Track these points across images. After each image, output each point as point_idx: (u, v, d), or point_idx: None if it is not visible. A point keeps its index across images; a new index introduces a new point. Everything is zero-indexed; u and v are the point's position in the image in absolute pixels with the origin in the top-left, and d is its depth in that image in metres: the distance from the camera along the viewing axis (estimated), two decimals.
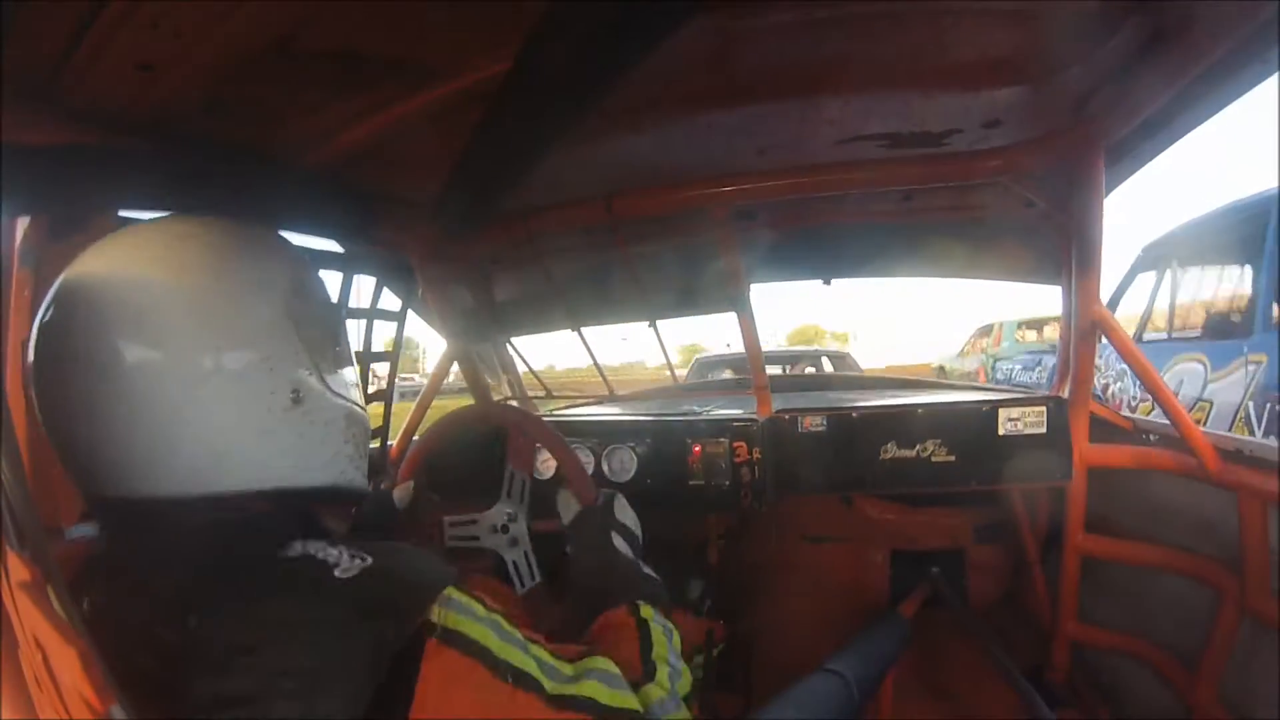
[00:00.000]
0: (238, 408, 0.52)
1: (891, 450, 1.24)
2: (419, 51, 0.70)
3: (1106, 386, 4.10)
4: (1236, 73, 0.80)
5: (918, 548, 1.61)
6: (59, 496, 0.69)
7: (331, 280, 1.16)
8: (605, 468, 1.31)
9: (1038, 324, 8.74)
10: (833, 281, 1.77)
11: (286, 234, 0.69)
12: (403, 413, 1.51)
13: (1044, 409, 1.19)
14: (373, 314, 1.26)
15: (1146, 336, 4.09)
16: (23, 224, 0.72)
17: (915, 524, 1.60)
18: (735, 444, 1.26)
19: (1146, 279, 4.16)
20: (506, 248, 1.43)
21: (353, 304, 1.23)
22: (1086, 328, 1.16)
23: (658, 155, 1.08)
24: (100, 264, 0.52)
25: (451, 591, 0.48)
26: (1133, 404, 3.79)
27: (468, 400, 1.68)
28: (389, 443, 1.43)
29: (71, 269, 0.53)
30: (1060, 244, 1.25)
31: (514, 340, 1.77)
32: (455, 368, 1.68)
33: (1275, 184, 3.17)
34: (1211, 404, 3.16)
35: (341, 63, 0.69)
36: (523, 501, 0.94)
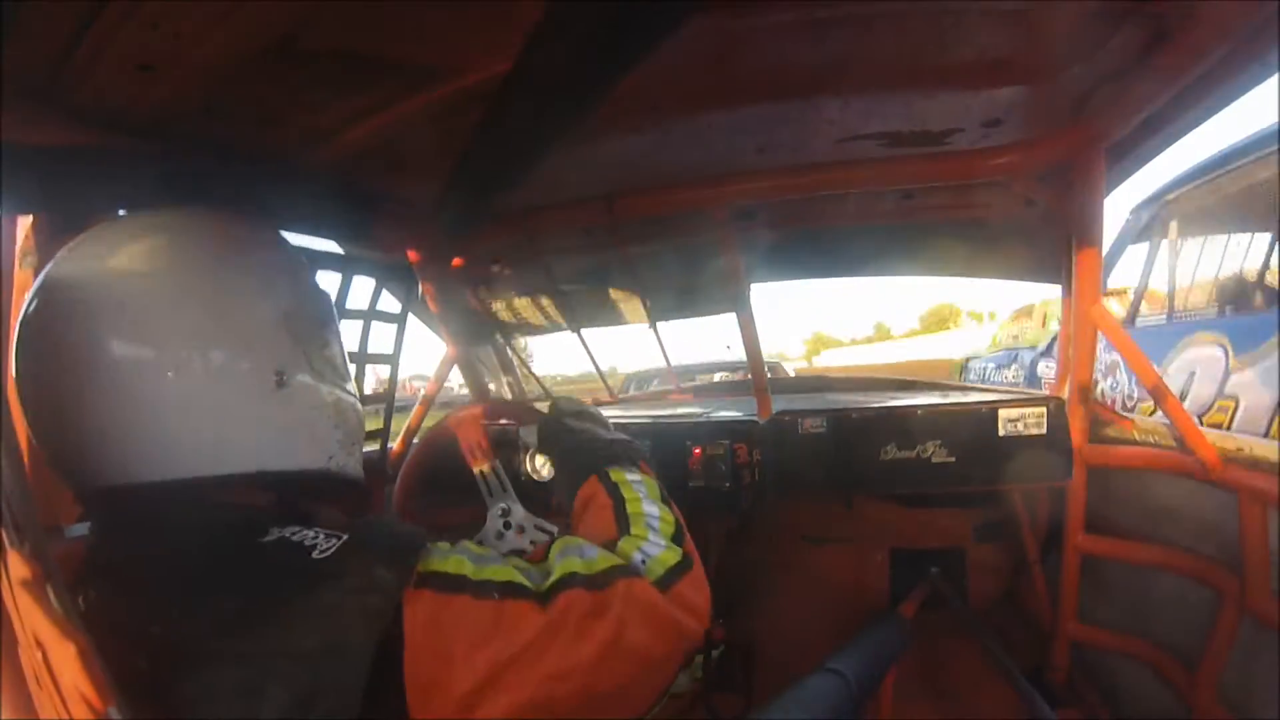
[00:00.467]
0: (222, 392, 0.52)
1: (891, 451, 1.24)
2: (419, 51, 0.70)
3: (1095, 383, 3.34)
4: (1236, 73, 0.80)
5: (918, 548, 1.60)
6: (59, 495, 0.69)
7: (330, 281, 1.16)
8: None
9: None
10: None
11: (286, 234, 0.70)
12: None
13: (1044, 409, 1.18)
14: (370, 315, 1.26)
15: (1141, 322, 3.25)
16: (23, 224, 0.72)
17: (915, 524, 1.60)
18: (736, 446, 1.26)
19: (1138, 252, 3.19)
20: (506, 248, 1.43)
21: (351, 305, 1.23)
22: (1086, 327, 1.16)
23: (658, 155, 1.08)
24: (81, 257, 0.53)
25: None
26: (1127, 403, 3.16)
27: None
28: (389, 445, 1.43)
29: (54, 264, 0.53)
30: (1060, 243, 1.25)
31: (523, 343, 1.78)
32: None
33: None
34: (1236, 402, 2.31)
35: (341, 63, 0.69)
36: (505, 489, 0.94)
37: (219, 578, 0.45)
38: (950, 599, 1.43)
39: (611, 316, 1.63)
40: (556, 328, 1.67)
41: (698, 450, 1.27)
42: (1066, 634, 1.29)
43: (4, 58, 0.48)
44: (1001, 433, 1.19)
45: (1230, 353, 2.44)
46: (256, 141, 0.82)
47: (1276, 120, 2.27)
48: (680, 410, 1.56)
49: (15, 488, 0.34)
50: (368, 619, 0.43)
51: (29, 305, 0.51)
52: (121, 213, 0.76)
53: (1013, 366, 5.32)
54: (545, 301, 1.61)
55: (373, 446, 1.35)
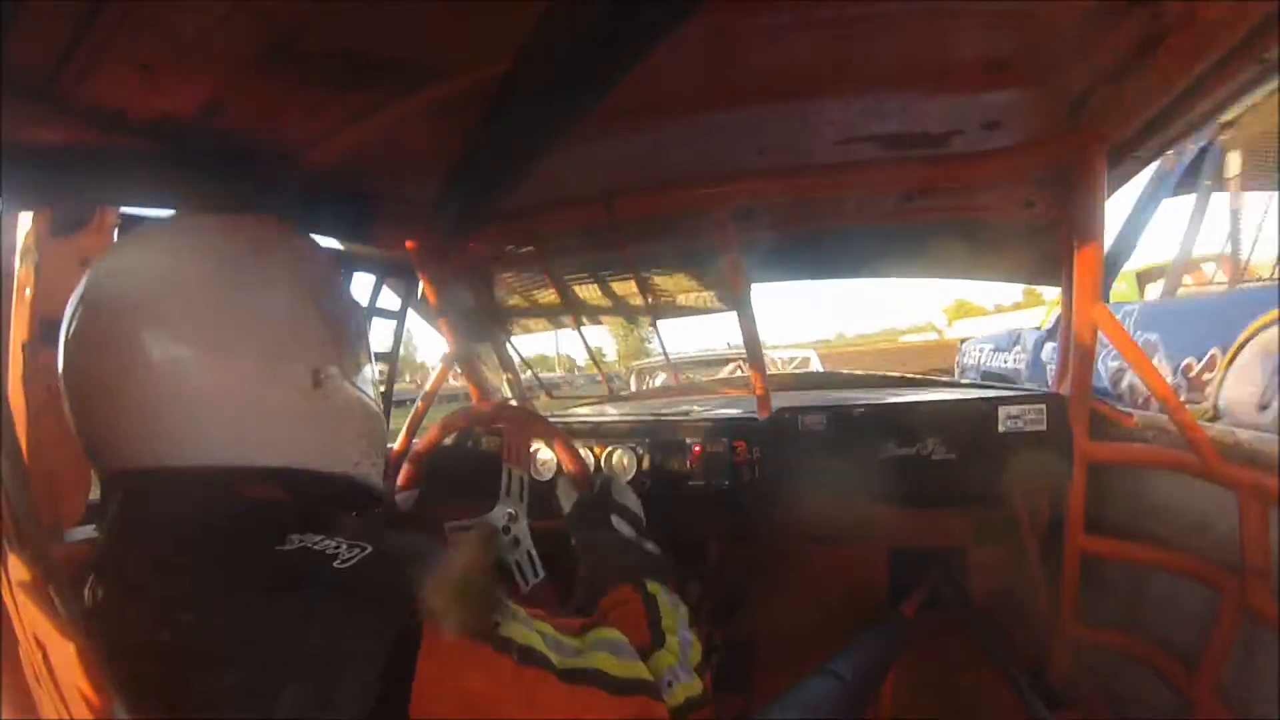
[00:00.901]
0: (260, 384, 0.53)
1: (891, 448, 1.24)
2: (419, 51, 0.70)
3: (1122, 376, 2.29)
4: (1236, 73, 0.80)
5: (918, 548, 1.60)
6: (59, 497, 0.69)
7: None
8: (605, 468, 1.31)
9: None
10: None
11: None
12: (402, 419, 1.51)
13: (1044, 406, 1.19)
14: (371, 313, 1.26)
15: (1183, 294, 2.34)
16: (24, 222, 0.72)
17: (915, 524, 1.60)
18: (735, 443, 1.26)
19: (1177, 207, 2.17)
20: (507, 246, 1.43)
21: None
22: (1087, 326, 1.16)
23: (658, 155, 1.08)
24: (136, 252, 0.57)
25: None
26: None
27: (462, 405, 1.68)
28: (389, 445, 1.43)
29: (104, 259, 0.56)
30: (1061, 244, 1.25)
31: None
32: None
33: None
34: None
35: (341, 63, 0.69)
36: (522, 500, 0.94)
37: (236, 578, 0.45)
38: (950, 599, 1.43)
39: (612, 314, 1.63)
40: (557, 325, 1.67)
41: (697, 448, 1.27)
42: (1066, 634, 1.29)
43: (4, 58, 0.48)
44: (1001, 429, 1.19)
45: None
46: (256, 141, 0.82)
47: None
48: (680, 408, 1.56)
49: (15, 489, 0.34)
50: (383, 635, 0.43)
51: (79, 295, 0.53)
52: (122, 212, 0.77)
53: (1014, 350, 4.26)
54: (545, 299, 1.61)
55: None
